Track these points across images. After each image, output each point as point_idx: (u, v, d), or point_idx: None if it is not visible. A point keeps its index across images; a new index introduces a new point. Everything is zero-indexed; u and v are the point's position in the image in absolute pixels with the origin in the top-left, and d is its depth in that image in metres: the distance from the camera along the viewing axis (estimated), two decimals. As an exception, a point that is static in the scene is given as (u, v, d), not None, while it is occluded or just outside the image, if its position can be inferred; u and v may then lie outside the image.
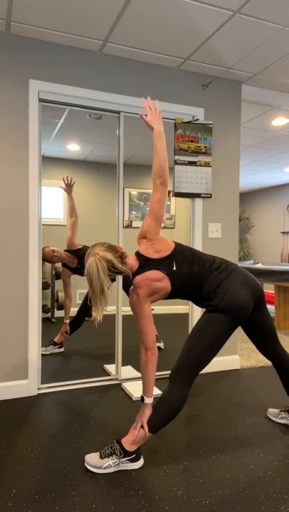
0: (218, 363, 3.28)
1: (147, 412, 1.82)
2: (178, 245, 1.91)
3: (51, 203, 3.05)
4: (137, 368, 3.12)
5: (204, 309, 2.04)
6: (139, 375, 3.06)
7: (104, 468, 1.80)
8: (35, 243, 2.71)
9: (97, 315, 1.70)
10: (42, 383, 2.80)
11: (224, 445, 2.05)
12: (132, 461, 1.83)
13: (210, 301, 1.85)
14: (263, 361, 3.52)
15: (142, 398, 1.84)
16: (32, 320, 2.71)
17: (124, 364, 3.08)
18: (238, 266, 1.93)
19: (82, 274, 3.13)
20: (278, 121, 4.26)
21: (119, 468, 1.82)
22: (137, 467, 1.84)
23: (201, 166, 3.13)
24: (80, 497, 1.62)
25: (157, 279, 1.81)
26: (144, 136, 3.14)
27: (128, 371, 3.07)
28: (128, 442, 1.83)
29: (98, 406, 2.53)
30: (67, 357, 3.12)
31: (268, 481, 1.74)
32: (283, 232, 8.21)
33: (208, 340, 1.80)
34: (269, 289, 7.30)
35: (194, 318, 3.21)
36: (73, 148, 3.12)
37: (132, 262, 1.83)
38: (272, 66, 3.00)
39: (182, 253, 1.88)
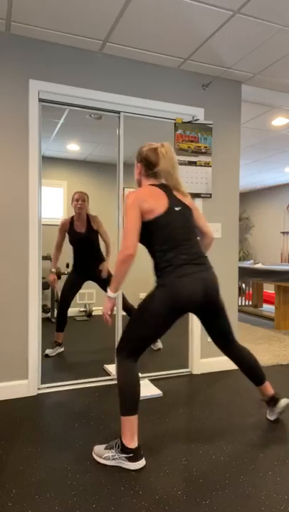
0: (218, 363, 3.28)
1: (107, 305, 1.93)
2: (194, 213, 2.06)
3: (51, 203, 3.05)
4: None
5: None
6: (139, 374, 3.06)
7: (104, 458, 1.86)
8: (35, 243, 2.71)
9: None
10: (42, 383, 2.80)
11: (224, 445, 2.05)
12: (130, 460, 1.83)
13: (161, 275, 1.89)
14: (263, 361, 3.52)
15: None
16: (32, 320, 2.71)
17: (124, 364, 3.08)
18: (208, 267, 1.96)
19: (84, 241, 3.15)
20: (278, 121, 4.26)
21: (118, 464, 1.84)
22: (134, 468, 1.83)
23: (201, 166, 3.12)
24: (80, 497, 1.62)
25: (157, 197, 1.91)
26: (144, 136, 3.14)
27: (128, 371, 3.07)
28: (124, 436, 1.85)
29: (98, 406, 2.53)
30: (67, 357, 3.12)
31: (268, 481, 1.74)
32: (283, 232, 8.21)
33: (143, 314, 1.88)
34: (269, 289, 7.30)
35: (194, 317, 3.21)
36: (73, 148, 3.12)
37: (147, 179, 2.04)
38: (272, 66, 3.00)
39: (186, 213, 1.98)
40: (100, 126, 3.05)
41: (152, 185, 1.99)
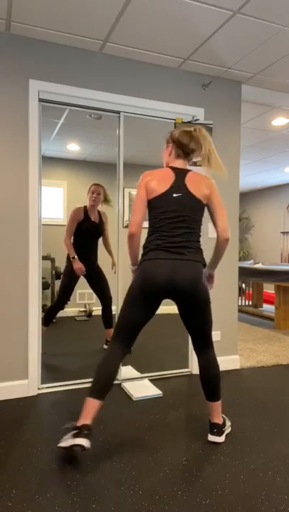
0: (218, 363, 3.28)
1: (133, 274, 2.11)
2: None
3: (51, 203, 3.05)
4: (137, 367, 3.12)
5: None
6: (139, 374, 3.06)
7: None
8: (35, 243, 2.71)
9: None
10: (42, 383, 2.80)
11: (224, 445, 2.05)
12: (74, 436, 1.81)
13: (142, 256, 1.98)
14: (263, 361, 3.52)
15: None
16: (32, 320, 2.71)
17: (124, 364, 3.08)
18: (186, 258, 1.91)
19: (96, 231, 3.17)
20: (278, 121, 4.26)
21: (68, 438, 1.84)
22: (61, 444, 1.81)
23: (201, 166, 3.12)
24: (80, 497, 1.62)
25: (163, 179, 1.96)
26: (144, 136, 3.14)
27: (128, 371, 3.07)
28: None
29: (98, 406, 2.52)
30: (67, 357, 3.12)
31: (268, 481, 1.74)
32: (283, 232, 8.21)
33: (125, 296, 2.00)
34: (269, 289, 7.30)
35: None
36: (73, 148, 3.12)
37: (174, 160, 2.08)
38: (272, 66, 2.99)
39: (186, 202, 1.95)
40: (100, 126, 3.05)
41: (170, 167, 2.02)
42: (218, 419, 2.09)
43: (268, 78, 3.20)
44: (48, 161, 2.93)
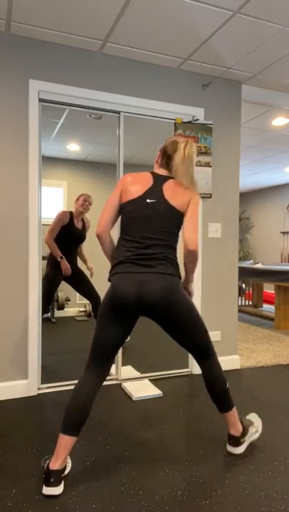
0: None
1: None
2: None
3: (51, 203, 3.05)
4: (137, 367, 3.12)
5: None
6: (139, 374, 3.06)
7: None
8: (35, 243, 2.71)
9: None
10: (42, 383, 2.80)
11: (224, 445, 2.05)
12: (44, 481, 1.65)
13: (112, 266, 1.82)
14: (263, 361, 3.52)
15: None
16: (32, 320, 2.71)
17: (124, 364, 3.08)
18: (156, 271, 1.73)
19: (79, 238, 3.17)
20: (278, 121, 4.26)
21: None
22: (44, 492, 1.63)
23: (201, 166, 3.12)
24: (80, 497, 1.62)
25: (139, 182, 1.83)
26: (144, 136, 3.14)
27: (128, 371, 3.07)
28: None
29: (98, 406, 2.52)
30: (67, 357, 3.11)
31: (268, 481, 1.74)
32: (283, 232, 8.21)
33: (97, 315, 1.80)
34: (269, 289, 7.30)
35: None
36: (73, 148, 3.12)
37: (158, 168, 1.95)
38: (272, 66, 3.00)
39: (160, 209, 1.78)
40: (100, 126, 3.05)
41: (152, 172, 1.90)
42: (233, 431, 1.95)
43: (267, 78, 3.20)
44: (48, 161, 2.93)
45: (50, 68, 2.71)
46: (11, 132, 2.63)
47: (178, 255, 1.86)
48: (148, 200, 1.78)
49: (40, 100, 2.72)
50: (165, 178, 1.85)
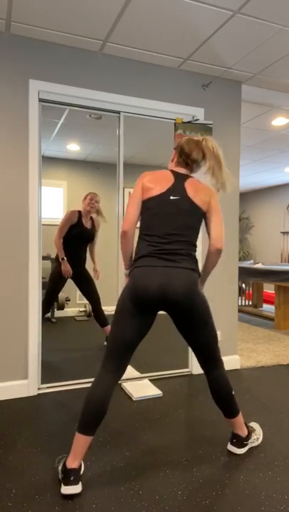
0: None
1: (125, 280, 1.94)
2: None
3: (51, 203, 3.05)
4: (137, 367, 3.12)
5: None
6: (139, 375, 3.06)
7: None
8: (35, 243, 2.71)
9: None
10: (42, 383, 2.80)
11: (224, 445, 2.05)
12: (62, 481, 1.65)
13: (133, 261, 1.82)
14: (263, 361, 3.52)
15: None
16: (32, 320, 2.71)
17: (124, 364, 3.07)
18: (180, 266, 1.75)
19: (87, 237, 3.19)
20: (278, 121, 4.26)
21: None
22: (62, 492, 1.62)
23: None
24: (80, 497, 1.62)
25: (161, 180, 1.84)
26: (144, 136, 3.14)
27: (128, 371, 3.07)
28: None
29: (98, 406, 2.52)
30: (67, 357, 3.12)
31: (268, 481, 1.74)
32: (283, 232, 8.21)
33: (115, 312, 1.77)
34: (269, 289, 7.31)
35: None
36: (73, 148, 3.12)
37: (175, 166, 1.97)
38: (272, 66, 2.99)
39: (183, 207, 1.81)
40: (100, 126, 3.05)
41: (171, 170, 1.91)
42: (240, 431, 1.95)
43: (267, 78, 3.20)
44: (48, 161, 2.93)
45: (50, 68, 2.71)
46: (11, 132, 2.63)
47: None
48: (171, 197, 1.80)
49: (40, 100, 2.72)
50: (185, 176, 1.89)
